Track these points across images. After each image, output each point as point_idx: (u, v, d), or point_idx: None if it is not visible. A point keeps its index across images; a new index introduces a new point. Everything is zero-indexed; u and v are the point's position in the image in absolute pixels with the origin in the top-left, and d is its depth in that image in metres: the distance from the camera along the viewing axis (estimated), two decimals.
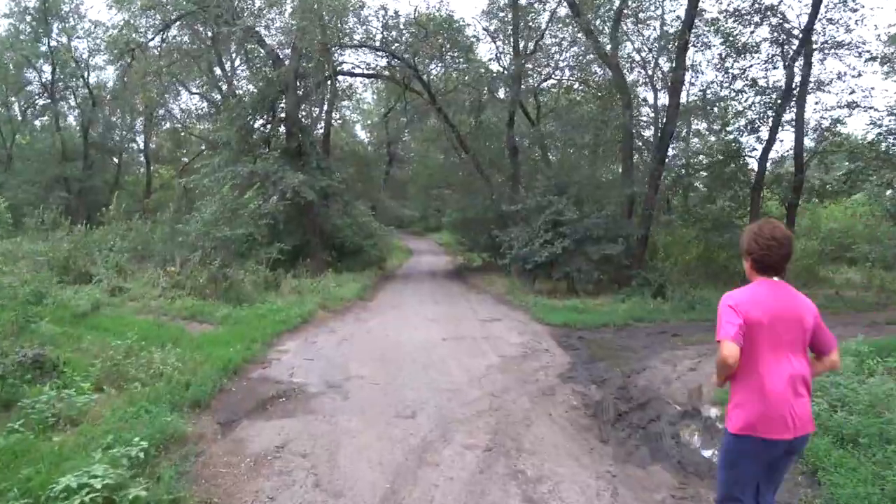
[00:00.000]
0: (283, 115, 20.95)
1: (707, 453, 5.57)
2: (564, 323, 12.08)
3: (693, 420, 6.54)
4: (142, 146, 42.85)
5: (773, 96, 18.14)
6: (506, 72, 21.30)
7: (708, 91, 18.57)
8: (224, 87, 23.01)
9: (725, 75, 18.94)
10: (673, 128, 16.82)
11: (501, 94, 22.05)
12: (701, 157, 20.22)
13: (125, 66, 30.95)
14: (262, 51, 21.98)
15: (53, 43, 34.94)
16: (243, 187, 18.62)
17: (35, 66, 35.57)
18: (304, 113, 25.00)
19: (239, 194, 16.17)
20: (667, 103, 18.78)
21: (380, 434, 5.56)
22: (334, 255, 22.27)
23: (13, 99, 37.68)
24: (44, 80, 36.48)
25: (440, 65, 22.50)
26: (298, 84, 20.96)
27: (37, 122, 39.91)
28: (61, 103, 38.97)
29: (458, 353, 9.15)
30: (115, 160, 42.02)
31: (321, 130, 25.86)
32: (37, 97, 37.88)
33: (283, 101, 20.70)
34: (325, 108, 25.41)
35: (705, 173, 19.98)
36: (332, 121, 26.68)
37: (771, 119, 17.83)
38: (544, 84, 23.22)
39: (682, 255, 20.08)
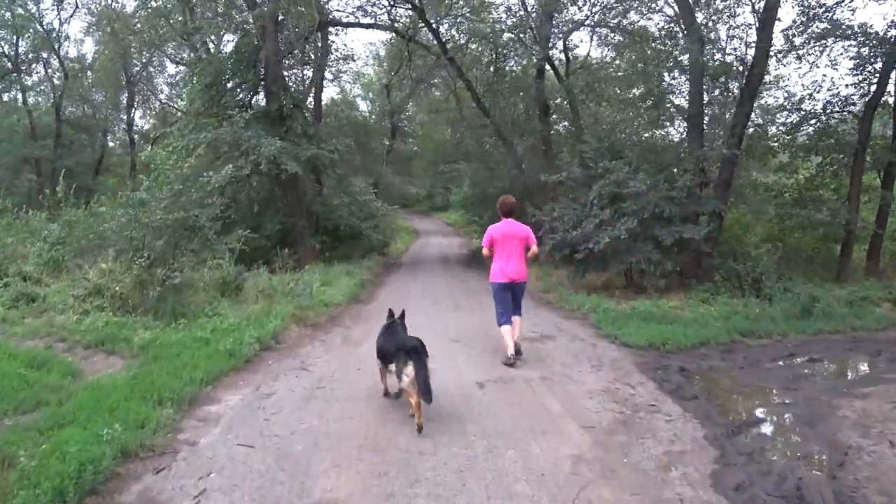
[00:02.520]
0: (261, 71, 16.98)
1: None
2: (649, 342, 8.28)
3: None
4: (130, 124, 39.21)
5: (863, 38, 14.13)
6: (531, 13, 17.23)
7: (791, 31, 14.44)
8: (198, 46, 19.06)
9: (804, 15, 14.84)
10: (763, 70, 12.86)
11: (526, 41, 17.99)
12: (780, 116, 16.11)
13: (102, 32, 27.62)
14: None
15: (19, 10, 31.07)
16: (209, 160, 14.94)
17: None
18: (293, 72, 21.17)
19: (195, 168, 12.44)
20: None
21: None
22: (326, 241, 18.50)
23: None
24: (6, 50, 32.18)
25: (450, 13, 18.52)
26: (280, 34, 17.04)
27: (5, 97, 35.77)
28: (33, 77, 35.35)
29: (513, 420, 5.34)
30: (100, 140, 38.22)
31: (312, 95, 21.92)
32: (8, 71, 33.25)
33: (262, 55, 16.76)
34: (316, 66, 21.33)
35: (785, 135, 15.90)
36: (325, 81, 22.59)
37: (881, 63, 13.82)
38: (575, 34, 19.19)
39: (745, 236, 16.18)
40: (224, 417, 5.37)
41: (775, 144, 16.02)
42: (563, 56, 19.75)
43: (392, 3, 18.40)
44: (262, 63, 16.22)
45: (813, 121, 15.73)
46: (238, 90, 17.32)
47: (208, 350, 7.19)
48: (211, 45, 20.99)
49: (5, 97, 35.08)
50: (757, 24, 13.08)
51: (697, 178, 13.05)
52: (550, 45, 16.80)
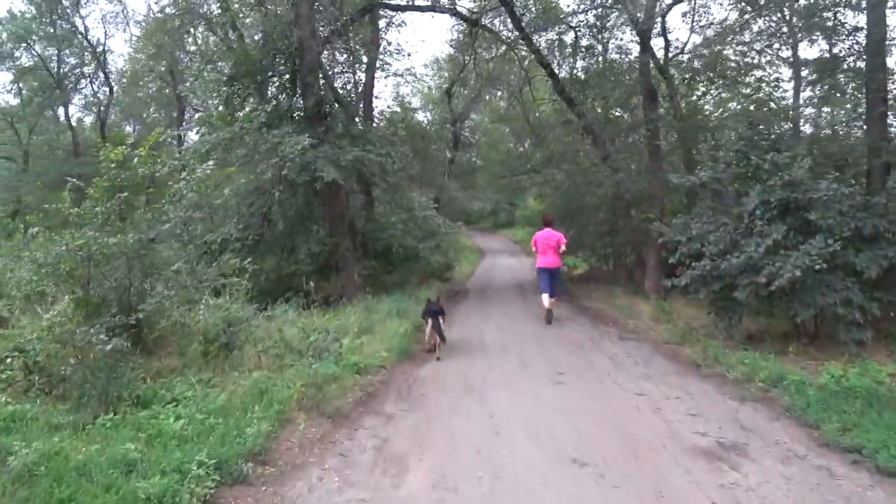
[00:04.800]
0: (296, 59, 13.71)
1: None
2: None
3: None
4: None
5: None
6: None
7: None
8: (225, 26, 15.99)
9: None
10: None
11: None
12: None
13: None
14: None
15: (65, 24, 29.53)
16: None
17: (40, 55, 29.68)
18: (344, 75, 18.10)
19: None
20: None
21: None
22: (376, 266, 15.16)
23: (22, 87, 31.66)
24: (49, 65, 30.48)
25: None
26: (319, 14, 13.87)
27: (49, 114, 34.16)
28: (83, 94, 33.75)
29: None
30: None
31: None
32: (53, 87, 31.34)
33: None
34: (366, 59, 18.00)
35: None
36: (377, 78, 19.21)
37: None
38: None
39: None
40: None
41: None
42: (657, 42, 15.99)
43: None
44: (295, 45, 13.00)
45: None
46: (267, 84, 14.20)
47: (120, 494, 3.82)
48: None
49: (49, 113, 33.50)
50: None
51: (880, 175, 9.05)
52: (657, 13, 12.97)
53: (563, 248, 10.83)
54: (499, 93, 33.91)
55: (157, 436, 4.69)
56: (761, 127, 9.03)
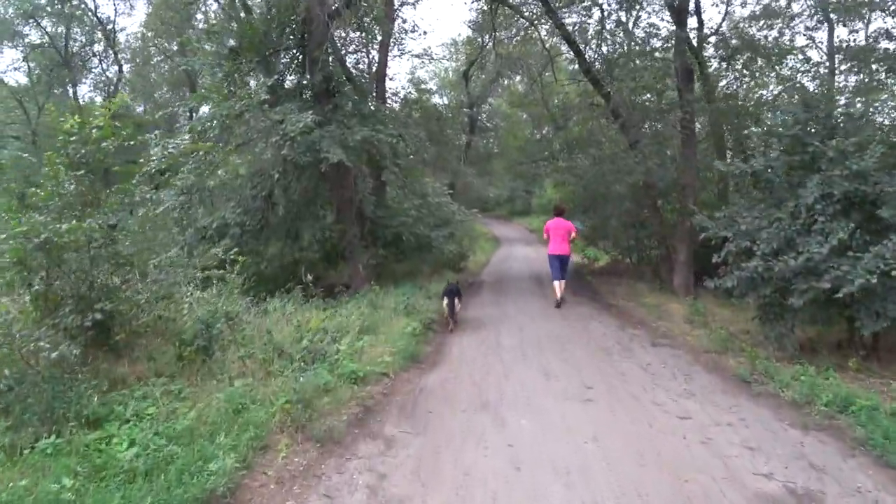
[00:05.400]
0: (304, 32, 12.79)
1: None
2: None
3: None
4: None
5: None
6: None
7: None
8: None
9: None
10: None
11: None
12: None
13: None
14: None
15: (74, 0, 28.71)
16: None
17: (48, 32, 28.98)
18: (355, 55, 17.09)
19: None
20: None
21: None
22: (386, 256, 14.32)
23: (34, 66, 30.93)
24: (58, 43, 29.73)
25: None
26: None
27: (57, 92, 33.42)
28: (94, 73, 33.03)
29: None
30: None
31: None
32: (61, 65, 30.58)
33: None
34: (379, 37, 16.94)
35: None
36: (391, 55, 18.19)
37: None
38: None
39: None
40: None
41: None
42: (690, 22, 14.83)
43: None
44: (303, 16, 12.05)
45: None
46: (276, 60, 13.26)
47: None
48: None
49: (59, 92, 32.78)
50: None
51: None
52: None
53: (573, 235, 11.65)
54: (518, 77, 32.93)
55: (102, 468, 3.83)
56: (820, 107, 7.94)
